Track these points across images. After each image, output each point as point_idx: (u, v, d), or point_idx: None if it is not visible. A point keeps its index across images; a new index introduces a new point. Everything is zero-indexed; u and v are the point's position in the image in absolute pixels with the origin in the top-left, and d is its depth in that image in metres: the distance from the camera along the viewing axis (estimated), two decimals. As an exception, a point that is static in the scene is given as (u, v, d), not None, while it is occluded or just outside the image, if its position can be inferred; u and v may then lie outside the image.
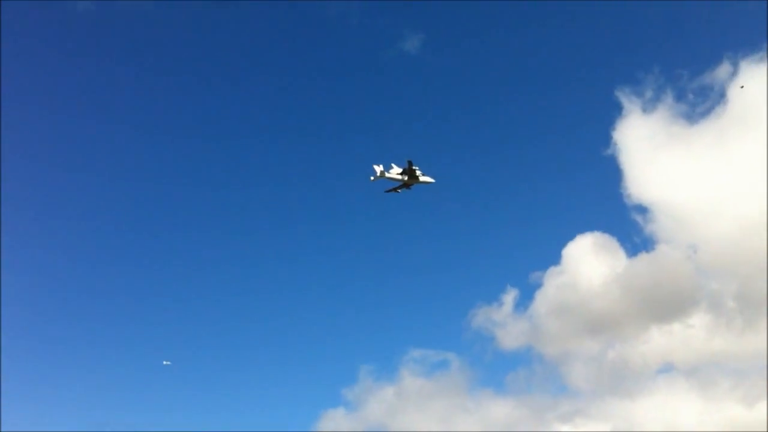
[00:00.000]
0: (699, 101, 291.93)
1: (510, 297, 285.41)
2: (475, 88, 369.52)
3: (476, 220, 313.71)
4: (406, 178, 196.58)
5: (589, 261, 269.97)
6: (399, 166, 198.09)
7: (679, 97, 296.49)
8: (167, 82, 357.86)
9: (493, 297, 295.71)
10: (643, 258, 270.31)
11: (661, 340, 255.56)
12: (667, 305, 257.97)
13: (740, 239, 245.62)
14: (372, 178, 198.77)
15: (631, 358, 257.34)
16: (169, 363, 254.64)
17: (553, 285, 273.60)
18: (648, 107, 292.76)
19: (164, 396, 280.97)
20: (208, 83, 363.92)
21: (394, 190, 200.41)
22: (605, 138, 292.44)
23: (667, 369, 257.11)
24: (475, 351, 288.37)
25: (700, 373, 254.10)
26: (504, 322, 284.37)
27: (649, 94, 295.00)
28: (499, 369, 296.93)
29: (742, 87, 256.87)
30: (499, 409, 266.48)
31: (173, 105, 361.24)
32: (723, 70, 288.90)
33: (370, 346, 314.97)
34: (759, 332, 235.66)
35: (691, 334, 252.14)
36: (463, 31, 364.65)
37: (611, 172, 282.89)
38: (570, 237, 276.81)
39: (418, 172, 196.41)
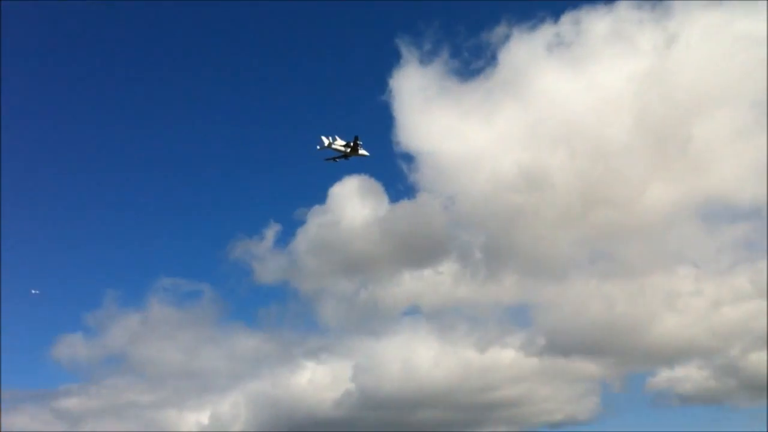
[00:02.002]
0: (472, 60, 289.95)
1: (272, 232, 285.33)
2: (255, 19, 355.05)
3: (244, 154, 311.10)
4: (348, 150, 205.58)
5: (353, 203, 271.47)
6: (343, 138, 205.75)
7: (455, 53, 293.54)
8: None
9: (254, 230, 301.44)
10: (405, 205, 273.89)
11: (412, 284, 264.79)
12: (421, 251, 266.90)
13: (493, 195, 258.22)
14: (318, 147, 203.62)
15: (381, 299, 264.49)
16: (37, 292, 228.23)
17: (316, 223, 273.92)
18: (425, 59, 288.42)
19: None
20: None
21: (333, 159, 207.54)
22: (382, 84, 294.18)
23: (412, 311, 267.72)
24: (230, 283, 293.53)
25: (442, 317, 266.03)
26: (263, 257, 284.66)
27: (427, 46, 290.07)
28: (253, 303, 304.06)
29: None
30: (248, 343, 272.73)
31: None
32: (499, 32, 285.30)
33: (117, 271, 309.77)
34: (498, 284, 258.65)
35: (439, 281, 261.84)
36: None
37: (384, 119, 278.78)
38: (338, 178, 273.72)
39: (359, 147, 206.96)
